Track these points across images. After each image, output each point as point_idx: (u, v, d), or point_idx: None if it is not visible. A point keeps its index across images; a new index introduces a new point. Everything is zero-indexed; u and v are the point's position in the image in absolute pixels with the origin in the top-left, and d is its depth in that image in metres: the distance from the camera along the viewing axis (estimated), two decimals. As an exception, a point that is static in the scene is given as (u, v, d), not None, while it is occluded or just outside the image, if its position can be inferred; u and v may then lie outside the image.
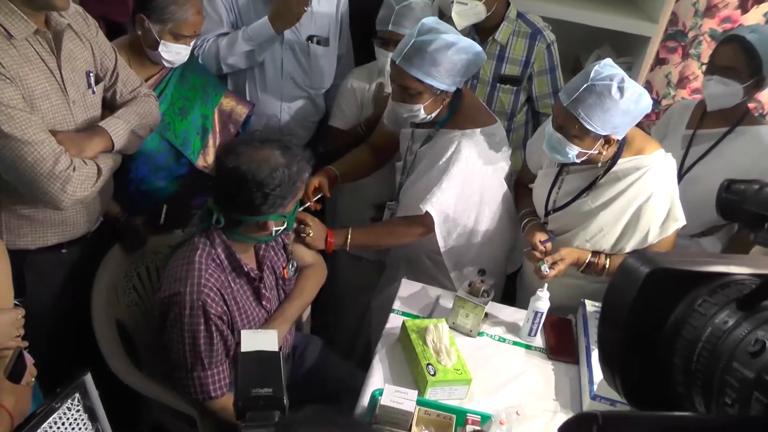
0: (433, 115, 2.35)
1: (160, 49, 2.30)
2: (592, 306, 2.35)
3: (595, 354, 2.15)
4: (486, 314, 2.30)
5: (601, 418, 0.59)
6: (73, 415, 1.57)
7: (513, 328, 2.38)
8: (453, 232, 2.45)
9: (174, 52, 2.33)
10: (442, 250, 2.47)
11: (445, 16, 2.74)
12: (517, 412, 1.97)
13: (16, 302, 1.75)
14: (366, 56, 2.86)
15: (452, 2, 2.66)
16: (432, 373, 2.01)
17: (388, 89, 2.67)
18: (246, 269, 2.06)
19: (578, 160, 2.17)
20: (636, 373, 0.73)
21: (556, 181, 2.36)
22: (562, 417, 2.07)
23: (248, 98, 2.82)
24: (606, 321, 0.77)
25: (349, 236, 2.41)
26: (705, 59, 3.29)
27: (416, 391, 1.93)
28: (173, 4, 2.24)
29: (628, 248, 2.26)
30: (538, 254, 2.29)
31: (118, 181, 2.29)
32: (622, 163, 2.21)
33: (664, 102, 3.66)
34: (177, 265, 1.98)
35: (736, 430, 0.62)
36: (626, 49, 3.38)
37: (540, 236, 2.34)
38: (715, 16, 3.44)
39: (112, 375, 2.10)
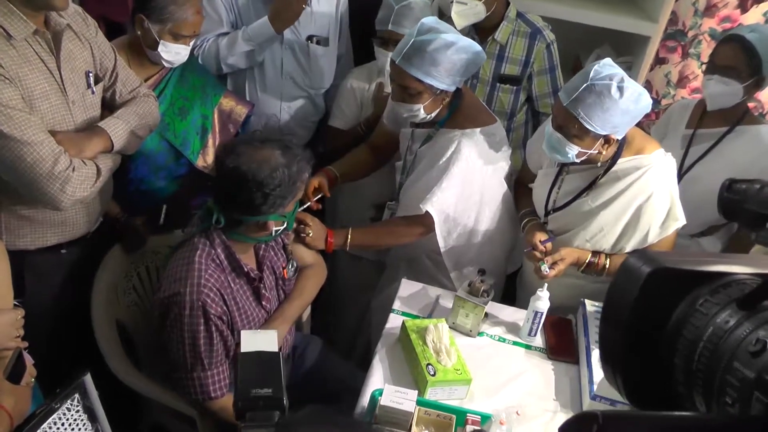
0: (433, 114, 2.35)
1: (159, 49, 2.30)
2: (592, 306, 2.35)
3: (595, 354, 2.15)
4: (486, 314, 2.30)
5: (602, 418, 0.59)
6: (72, 415, 1.57)
7: (513, 328, 2.38)
8: (453, 232, 2.45)
9: (173, 52, 2.33)
10: (442, 250, 2.47)
11: (444, 15, 2.74)
12: (517, 412, 1.96)
13: (16, 303, 1.75)
14: (366, 56, 2.86)
15: (452, 2, 2.66)
16: (432, 373, 2.01)
17: (388, 89, 2.67)
18: (246, 269, 2.06)
19: (578, 160, 2.17)
20: (637, 373, 0.73)
21: (556, 181, 2.36)
22: (562, 417, 2.07)
23: (248, 98, 2.82)
24: (607, 320, 0.77)
25: (349, 236, 2.41)
26: (705, 59, 3.28)
27: (416, 391, 1.93)
28: (173, 4, 2.24)
29: (628, 248, 2.26)
30: (538, 254, 2.29)
31: (117, 181, 2.29)
32: (622, 163, 2.21)
33: (664, 101, 3.66)
34: (177, 266, 1.98)
35: (736, 429, 0.62)
36: (626, 48, 3.38)
37: (540, 236, 2.34)
38: (715, 16, 3.44)
39: (112, 375, 2.10)
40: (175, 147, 2.43)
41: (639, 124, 2.19)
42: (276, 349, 1.22)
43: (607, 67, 2.05)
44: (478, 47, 2.27)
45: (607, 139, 2.10)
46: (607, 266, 2.29)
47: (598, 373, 2.07)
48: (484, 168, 2.40)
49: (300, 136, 2.94)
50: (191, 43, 2.37)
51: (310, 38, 2.81)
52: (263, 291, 2.13)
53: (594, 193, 2.26)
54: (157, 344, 2.06)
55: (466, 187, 2.37)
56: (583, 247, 2.31)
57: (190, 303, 1.91)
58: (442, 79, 2.22)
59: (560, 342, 2.33)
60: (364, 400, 2.00)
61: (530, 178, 2.52)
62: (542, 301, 2.24)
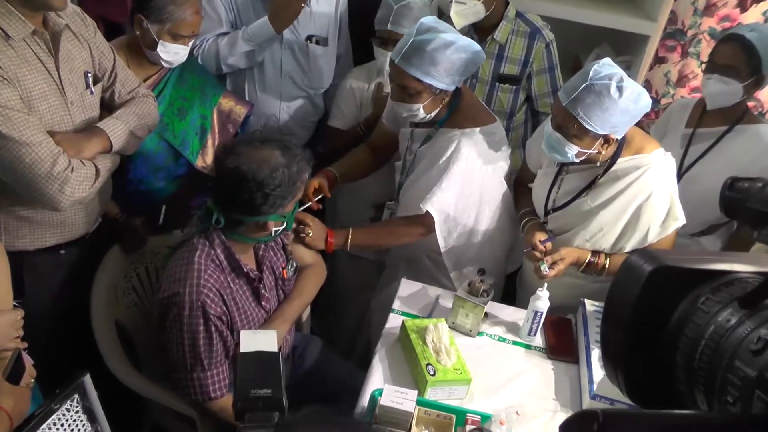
0: (433, 114, 2.35)
1: (158, 49, 2.30)
2: (591, 305, 2.35)
3: (594, 353, 2.15)
4: (486, 314, 2.30)
5: (602, 416, 0.59)
6: (72, 416, 1.57)
7: (513, 327, 2.38)
8: (453, 232, 2.45)
9: (172, 53, 2.33)
10: (442, 249, 2.47)
11: (444, 15, 2.74)
12: (516, 412, 1.97)
13: (15, 303, 1.75)
14: (365, 56, 2.86)
15: (451, 1, 2.66)
16: (432, 373, 2.01)
17: (387, 89, 2.67)
18: (245, 270, 2.06)
19: (577, 160, 2.17)
20: (639, 371, 0.73)
21: (556, 181, 2.36)
22: (562, 416, 2.06)
23: (247, 98, 2.82)
24: (609, 319, 0.77)
25: (350, 236, 2.41)
26: (704, 58, 3.29)
27: (416, 391, 1.93)
28: (171, 4, 2.23)
29: (628, 248, 2.26)
30: (537, 254, 2.29)
31: (116, 181, 2.29)
32: (622, 163, 2.20)
33: (664, 101, 3.66)
34: (176, 266, 1.98)
35: (737, 428, 0.62)
36: (625, 47, 3.38)
37: (540, 236, 2.34)
38: (714, 15, 3.44)
39: (112, 376, 2.10)
40: (175, 147, 2.43)
41: (638, 124, 2.19)
42: (275, 349, 1.22)
43: (606, 66, 2.05)
44: (477, 47, 2.27)
45: (607, 139, 2.10)
46: (607, 266, 2.28)
47: (598, 373, 2.07)
48: (484, 167, 2.40)
49: (299, 136, 2.94)
50: (190, 43, 2.37)
51: (309, 38, 2.81)
52: (263, 291, 2.13)
53: (593, 193, 2.26)
54: (156, 345, 2.06)
55: (465, 187, 2.37)
56: (583, 246, 2.30)
57: (190, 303, 1.90)
58: (441, 78, 2.22)
59: (560, 342, 2.33)
60: (364, 400, 2.00)
61: (530, 177, 2.52)
62: (542, 300, 2.24)
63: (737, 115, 2.54)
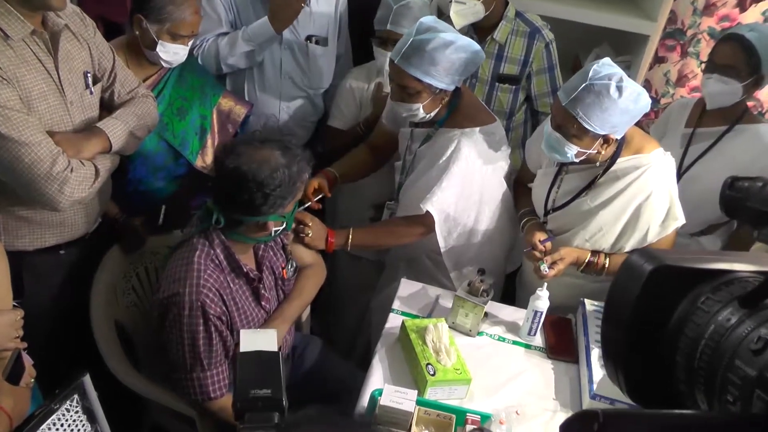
0: (432, 114, 2.35)
1: (157, 49, 2.30)
2: (591, 305, 2.35)
3: (594, 353, 2.15)
4: (485, 314, 2.30)
5: (602, 416, 0.59)
6: (72, 416, 1.57)
7: (512, 327, 2.38)
8: (453, 232, 2.45)
9: (172, 53, 2.33)
10: (442, 249, 2.47)
11: (443, 15, 2.74)
12: (516, 412, 1.97)
13: (15, 303, 1.75)
14: (365, 56, 2.86)
15: (450, 1, 2.66)
16: (432, 372, 2.01)
17: (387, 89, 2.66)
18: (245, 270, 2.06)
19: (577, 160, 2.17)
20: (639, 371, 0.73)
21: (556, 181, 2.36)
22: (562, 416, 2.06)
23: (247, 98, 2.82)
24: (609, 318, 0.77)
25: (350, 236, 2.41)
26: (704, 57, 3.28)
27: (416, 391, 1.93)
28: (171, 4, 2.23)
29: (628, 247, 2.26)
30: (537, 254, 2.29)
31: (116, 181, 2.29)
32: (621, 163, 2.20)
33: (663, 100, 3.66)
34: (176, 266, 1.97)
35: (737, 427, 0.62)
36: (625, 47, 3.38)
37: (539, 236, 2.34)
38: (714, 15, 3.44)
39: (112, 376, 2.10)
40: (174, 147, 2.43)
41: (638, 124, 2.19)
42: (275, 349, 1.22)
43: (606, 66, 2.05)
44: (476, 46, 2.27)
45: (606, 139, 2.10)
46: (607, 266, 2.28)
47: (598, 373, 2.07)
48: (484, 167, 2.40)
49: (299, 136, 2.93)
50: (189, 43, 2.37)
51: (309, 38, 2.81)
52: (262, 291, 2.13)
53: (593, 193, 2.26)
54: (156, 345, 2.06)
55: (465, 187, 2.37)
56: (583, 246, 2.30)
57: (189, 303, 1.90)
58: (441, 78, 2.22)
59: (560, 341, 2.33)
60: (364, 400, 2.00)
61: (529, 177, 2.52)
62: (542, 300, 2.24)
63: (737, 115, 2.54)
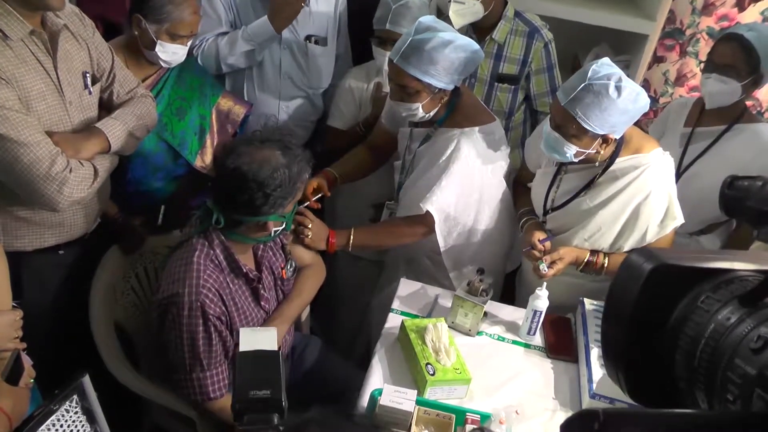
0: (432, 113, 2.35)
1: (156, 49, 2.29)
2: (591, 304, 2.35)
3: (594, 352, 2.16)
4: (485, 313, 2.30)
5: (603, 415, 0.59)
6: (71, 416, 1.56)
7: (512, 327, 2.38)
8: (453, 232, 2.45)
9: (171, 52, 2.33)
10: (442, 249, 2.47)
11: (443, 15, 2.74)
12: (516, 411, 1.97)
13: (14, 304, 1.75)
14: (364, 55, 2.86)
15: (450, 1, 2.66)
16: (431, 372, 2.01)
17: (386, 88, 2.66)
18: (244, 270, 2.06)
19: (576, 159, 2.17)
20: (639, 369, 0.73)
21: (555, 180, 2.36)
22: (562, 416, 2.07)
23: (246, 98, 2.82)
24: (609, 317, 0.77)
25: (352, 236, 2.41)
26: (703, 57, 3.29)
27: (416, 391, 1.93)
28: (170, 4, 2.23)
29: (627, 247, 2.26)
30: (536, 253, 2.29)
31: (115, 181, 2.29)
32: (620, 162, 2.21)
33: (662, 100, 3.66)
34: (175, 266, 1.97)
35: (737, 426, 0.62)
36: (624, 47, 3.38)
37: (538, 235, 2.34)
38: (713, 14, 3.44)
39: (111, 376, 2.10)
40: (173, 147, 2.43)
41: (637, 123, 2.19)
42: (275, 348, 1.21)
43: (605, 66, 2.05)
44: (476, 46, 2.27)
45: (605, 139, 2.10)
46: (606, 265, 2.29)
47: (597, 372, 2.07)
48: (484, 167, 2.40)
49: (298, 136, 2.93)
50: (189, 43, 2.37)
51: (308, 38, 2.81)
52: (262, 291, 2.13)
53: (592, 193, 2.26)
54: (155, 345, 2.06)
55: (465, 186, 2.37)
56: (582, 246, 2.31)
57: (189, 304, 1.90)
58: (440, 77, 2.22)
59: (559, 341, 2.33)
60: (364, 400, 2.00)
61: (529, 177, 2.52)
62: (541, 300, 2.24)
63: (736, 114, 2.54)
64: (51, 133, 1.92)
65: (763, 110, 3.56)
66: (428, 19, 2.25)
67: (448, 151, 2.35)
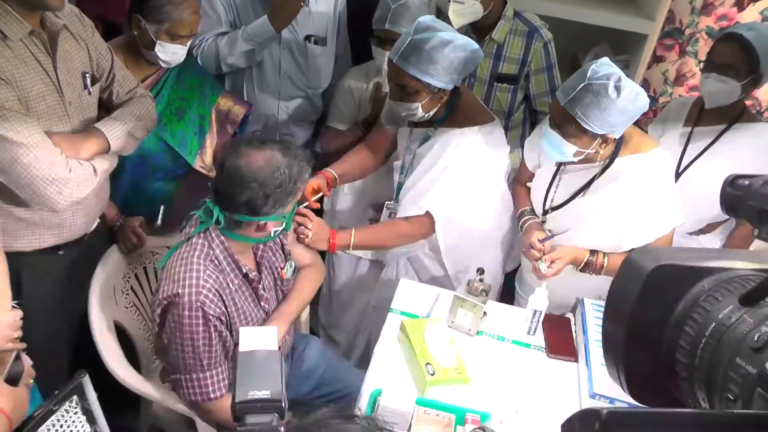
0: (431, 113, 2.35)
1: (156, 49, 2.29)
2: (590, 304, 2.35)
3: (593, 352, 2.15)
4: (485, 313, 2.30)
5: (604, 415, 0.59)
6: (71, 417, 1.56)
7: (512, 326, 2.37)
8: (453, 231, 2.45)
9: (170, 53, 2.33)
10: (441, 249, 2.47)
11: (442, 15, 2.74)
12: (516, 411, 1.97)
13: (14, 304, 1.75)
14: (363, 55, 2.86)
15: (449, 1, 2.66)
16: (431, 372, 2.01)
17: (386, 88, 2.66)
18: (244, 270, 2.06)
19: (576, 159, 2.17)
20: (640, 368, 0.73)
21: (554, 180, 2.36)
22: (562, 416, 2.06)
23: (246, 98, 2.82)
24: (610, 316, 0.77)
25: (353, 237, 2.41)
26: (702, 57, 3.29)
27: (415, 391, 1.93)
28: (169, 4, 2.23)
29: (626, 247, 2.26)
30: (536, 253, 2.29)
31: (115, 182, 2.29)
32: (620, 162, 2.21)
33: (662, 99, 3.66)
34: (175, 267, 1.97)
35: (738, 426, 0.62)
36: (623, 46, 3.38)
37: (538, 235, 2.34)
38: (712, 14, 3.44)
39: (111, 377, 2.09)
40: (173, 147, 2.43)
41: (636, 122, 2.19)
42: (276, 347, 1.21)
43: (604, 66, 2.05)
44: (475, 45, 2.27)
45: (605, 139, 2.10)
46: (605, 265, 2.28)
47: (597, 371, 2.07)
48: (484, 166, 2.40)
49: (298, 136, 2.94)
50: (188, 43, 2.37)
51: (308, 38, 2.81)
52: (262, 291, 2.13)
53: (592, 192, 2.26)
54: (155, 345, 2.06)
55: (465, 186, 2.37)
56: (581, 245, 2.30)
57: (189, 304, 1.90)
58: (439, 77, 2.22)
59: (559, 340, 2.32)
60: (364, 400, 2.00)
61: (528, 177, 2.52)
62: (541, 299, 2.24)
63: (735, 114, 2.54)
64: (50, 134, 1.92)
65: (762, 110, 3.56)
66: (427, 19, 2.25)
67: (448, 151, 2.35)
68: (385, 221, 2.66)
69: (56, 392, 1.54)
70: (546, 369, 2.24)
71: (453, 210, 2.39)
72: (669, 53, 3.58)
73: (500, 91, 2.91)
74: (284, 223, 2.04)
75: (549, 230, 2.40)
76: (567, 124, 2.08)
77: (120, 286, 2.36)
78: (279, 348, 2.02)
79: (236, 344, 2.01)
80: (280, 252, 2.26)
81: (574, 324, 2.38)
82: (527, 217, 2.47)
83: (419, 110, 2.30)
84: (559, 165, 2.34)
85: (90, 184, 1.99)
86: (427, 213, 2.34)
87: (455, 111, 2.40)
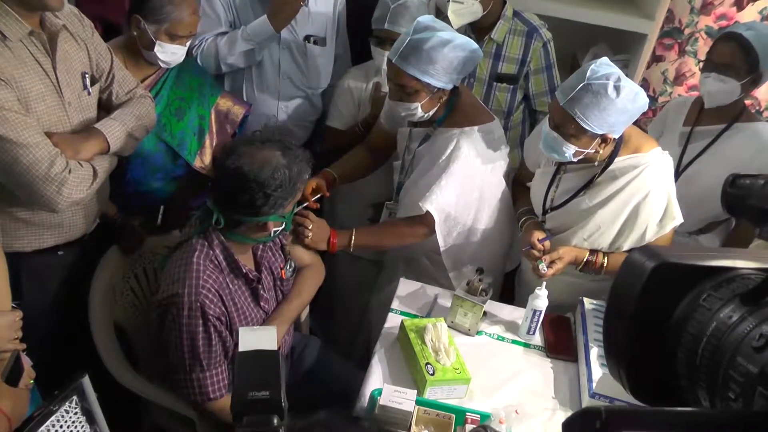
0: (431, 113, 2.35)
1: (155, 49, 2.29)
2: (590, 304, 2.35)
3: (593, 352, 2.16)
4: (484, 313, 2.30)
5: (605, 414, 0.59)
6: (71, 417, 1.56)
7: (512, 326, 2.38)
8: (453, 231, 2.45)
9: (170, 53, 2.32)
10: (441, 249, 2.47)
11: (441, 14, 2.74)
12: (516, 411, 1.97)
13: (14, 305, 1.74)
14: (363, 55, 2.86)
15: (448, 1, 2.66)
16: (431, 372, 2.01)
17: (385, 88, 2.66)
18: (244, 270, 2.06)
19: (575, 159, 2.17)
20: (641, 367, 0.73)
21: (554, 180, 2.36)
22: (561, 415, 2.07)
23: (245, 98, 2.82)
24: (612, 315, 0.77)
25: (353, 237, 2.40)
26: (701, 56, 3.30)
27: (415, 391, 1.93)
28: (169, 5, 2.23)
29: (626, 246, 2.27)
30: (536, 253, 2.29)
31: (114, 182, 2.29)
32: (619, 162, 2.21)
33: (661, 99, 3.66)
34: (175, 267, 1.97)
35: (739, 425, 0.62)
36: (623, 46, 3.38)
37: (538, 235, 2.34)
38: (711, 13, 3.44)
39: (111, 377, 2.09)
40: (173, 148, 2.43)
41: (636, 122, 2.20)
42: (275, 347, 1.20)
43: (603, 66, 2.05)
44: (474, 45, 2.27)
45: (604, 138, 2.10)
46: (605, 265, 2.29)
47: (597, 371, 2.07)
48: (483, 166, 2.40)
49: (297, 136, 2.93)
50: (188, 44, 2.36)
51: (307, 38, 2.81)
52: (261, 292, 2.13)
53: (591, 192, 2.26)
54: (155, 345, 2.06)
55: (465, 186, 2.38)
56: (581, 245, 2.31)
57: (189, 304, 1.90)
58: (439, 77, 2.22)
59: (559, 340, 2.33)
60: (364, 400, 2.00)
61: (528, 176, 2.52)
62: (541, 299, 2.24)
63: (735, 114, 2.54)
64: (50, 134, 1.92)
65: (762, 109, 3.57)
66: (427, 19, 2.25)
67: (448, 151, 2.35)
68: (385, 221, 2.66)
69: (56, 392, 1.54)
70: (546, 369, 2.24)
71: (453, 210, 2.39)
72: (668, 53, 3.58)
73: (499, 90, 2.91)
74: (284, 223, 2.04)
75: (548, 230, 2.39)
76: (566, 124, 2.08)
77: (120, 286, 2.35)
78: (278, 348, 2.02)
79: (236, 344, 2.01)
80: (280, 252, 2.26)
81: (574, 324, 2.38)
82: (527, 217, 2.47)
83: (419, 110, 2.30)
84: (559, 165, 2.33)
85: (90, 184, 1.99)
86: (428, 213, 2.34)
87: (455, 111, 2.40)
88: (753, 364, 0.62)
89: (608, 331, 0.77)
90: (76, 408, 1.58)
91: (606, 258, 2.29)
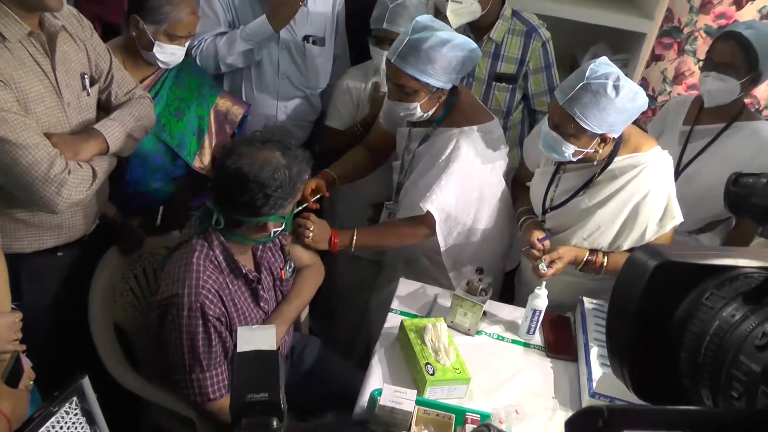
0: (430, 113, 2.35)
1: (154, 50, 2.29)
2: (590, 303, 2.35)
3: (593, 351, 2.15)
4: (484, 313, 2.30)
5: (607, 412, 0.59)
6: (71, 418, 1.56)
7: (511, 326, 2.38)
8: (453, 231, 2.45)
9: (169, 53, 2.32)
10: (441, 249, 2.47)
11: (440, 14, 2.74)
12: (516, 411, 1.97)
13: (13, 306, 1.74)
14: (362, 55, 2.86)
15: (447, 0, 2.66)
16: (431, 372, 2.01)
17: (384, 88, 2.66)
18: (244, 271, 2.05)
19: (575, 159, 2.16)
20: (644, 366, 0.73)
21: (553, 180, 2.36)
22: (562, 415, 2.06)
23: (244, 98, 2.81)
24: (614, 314, 0.77)
25: (354, 237, 2.40)
26: (701, 55, 3.30)
27: (415, 391, 1.93)
28: (168, 5, 2.23)
29: (626, 246, 2.27)
30: (535, 252, 2.29)
31: (114, 182, 2.28)
32: (619, 161, 2.21)
33: (660, 98, 3.66)
34: (175, 267, 1.97)
35: (742, 423, 0.62)
36: (622, 45, 3.38)
37: (538, 234, 2.33)
38: (710, 12, 3.44)
39: (111, 378, 2.09)
40: (172, 148, 2.42)
41: (635, 122, 2.20)
42: (274, 347, 1.20)
43: (602, 66, 2.05)
44: (473, 44, 2.27)
45: (604, 138, 2.10)
46: (605, 264, 2.29)
47: (597, 371, 2.07)
48: (483, 166, 2.40)
49: (297, 136, 2.93)
50: (186, 44, 2.36)
51: (306, 38, 2.81)
52: (261, 292, 2.13)
53: (591, 192, 2.26)
54: (155, 346, 2.06)
55: (465, 186, 2.37)
56: (581, 245, 2.31)
57: (189, 304, 1.90)
58: (438, 77, 2.22)
59: (559, 340, 2.33)
60: (364, 400, 2.00)
61: (527, 176, 2.52)
62: (540, 299, 2.24)
63: (734, 113, 2.54)
64: (49, 135, 1.91)
65: (761, 108, 3.57)
66: (425, 19, 2.25)
67: (448, 151, 2.34)
68: (386, 222, 2.66)
69: (56, 393, 1.54)
70: (546, 369, 2.24)
71: (453, 210, 2.39)
72: (668, 52, 3.58)
73: (499, 90, 2.91)
74: (284, 224, 2.04)
75: (548, 229, 2.39)
76: (566, 124, 2.08)
77: (119, 286, 2.35)
78: (278, 348, 2.02)
79: (236, 345, 2.01)
80: (280, 252, 2.26)
81: (574, 323, 2.38)
82: (526, 217, 2.47)
83: (418, 110, 2.30)
84: (559, 164, 2.33)
85: (89, 185, 1.99)
86: (428, 213, 2.34)
87: (454, 110, 2.40)
88: (756, 363, 0.62)
89: (611, 330, 0.77)
90: (76, 409, 1.57)
91: (606, 257, 2.29)
